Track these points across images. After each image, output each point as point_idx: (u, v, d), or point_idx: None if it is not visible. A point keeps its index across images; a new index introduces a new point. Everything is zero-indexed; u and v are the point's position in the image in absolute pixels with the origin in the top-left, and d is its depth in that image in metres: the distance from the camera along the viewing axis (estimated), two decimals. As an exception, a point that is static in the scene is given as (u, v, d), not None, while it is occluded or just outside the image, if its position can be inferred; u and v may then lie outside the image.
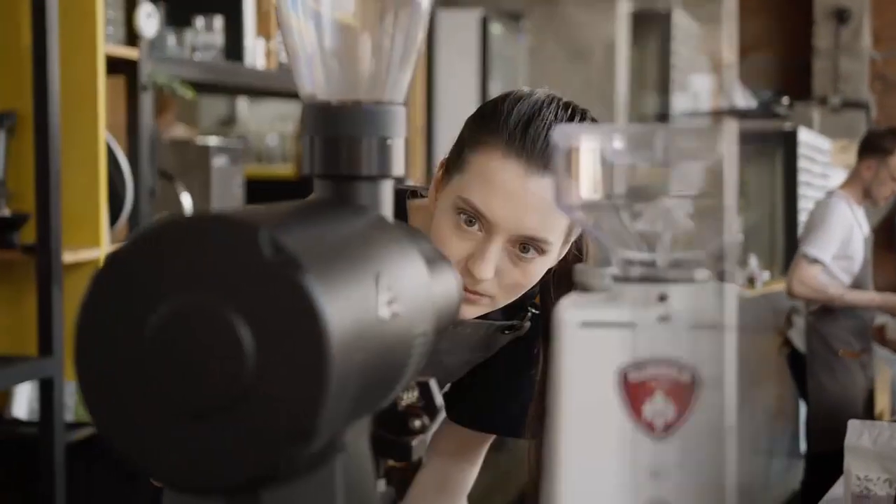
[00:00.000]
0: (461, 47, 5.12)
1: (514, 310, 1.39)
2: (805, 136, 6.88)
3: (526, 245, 1.24)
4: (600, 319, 0.68)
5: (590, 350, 0.68)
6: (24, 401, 2.63)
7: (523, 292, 1.29)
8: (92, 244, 2.49)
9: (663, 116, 7.35)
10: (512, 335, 1.40)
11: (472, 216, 1.24)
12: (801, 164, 6.76)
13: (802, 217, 7.02)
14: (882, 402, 4.79)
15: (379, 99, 0.81)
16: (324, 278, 0.62)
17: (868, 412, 4.32)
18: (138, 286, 0.62)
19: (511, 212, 1.22)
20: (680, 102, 5.24)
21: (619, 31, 5.64)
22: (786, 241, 7.03)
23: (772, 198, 7.04)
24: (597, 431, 0.68)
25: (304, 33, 0.81)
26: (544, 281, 1.32)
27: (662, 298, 0.68)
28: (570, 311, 0.69)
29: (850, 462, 1.91)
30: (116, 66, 2.62)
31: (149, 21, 2.61)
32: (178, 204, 2.85)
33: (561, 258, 1.31)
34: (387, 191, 0.81)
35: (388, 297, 0.69)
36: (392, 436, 0.86)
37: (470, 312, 1.28)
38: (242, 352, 0.60)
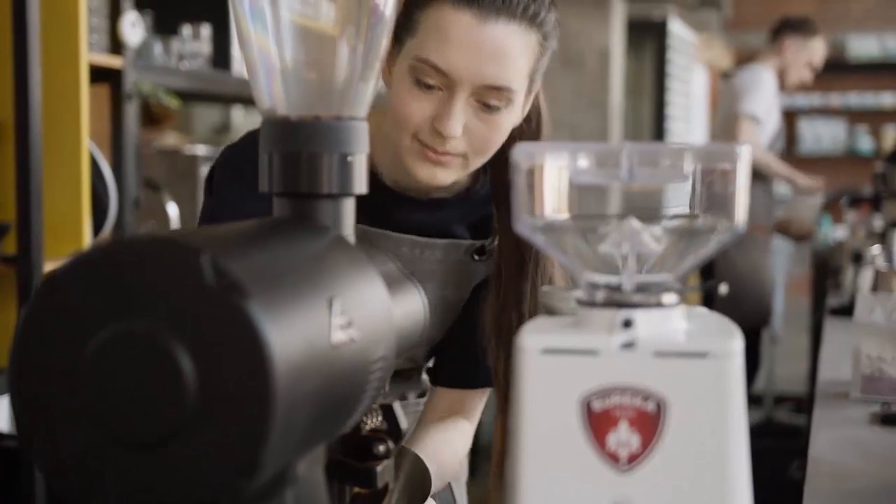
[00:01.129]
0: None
1: (481, 233, 1.38)
2: (675, 28, 6.94)
3: (488, 103, 1.22)
4: (563, 346, 0.65)
5: (552, 377, 0.66)
6: (4, 413, 2.60)
7: (494, 150, 1.26)
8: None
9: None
10: (484, 262, 1.38)
11: (430, 76, 1.21)
12: (669, 55, 6.87)
13: (670, 111, 7.16)
14: None
15: (339, 114, 0.79)
16: (270, 304, 0.59)
17: None
18: (77, 309, 0.59)
19: (470, 62, 1.20)
20: None
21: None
22: (654, 133, 7.12)
23: (641, 88, 7.12)
24: (559, 462, 0.65)
25: (263, 47, 0.79)
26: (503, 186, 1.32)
27: (627, 324, 0.66)
28: (531, 337, 0.66)
29: (860, 340, 1.75)
30: (101, 74, 2.59)
31: (133, 30, 2.59)
32: (164, 214, 2.82)
33: (517, 126, 1.29)
34: (348, 209, 0.79)
35: (342, 321, 0.66)
36: (355, 462, 0.83)
37: (444, 176, 1.26)
38: (183, 381, 0.57)
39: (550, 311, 0.74)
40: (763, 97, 4.44)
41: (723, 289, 0.66)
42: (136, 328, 0.58)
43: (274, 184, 0.78)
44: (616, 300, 0.67)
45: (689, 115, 8.36)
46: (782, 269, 5.67)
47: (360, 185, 0.79)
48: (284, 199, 0.78)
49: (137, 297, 0.58)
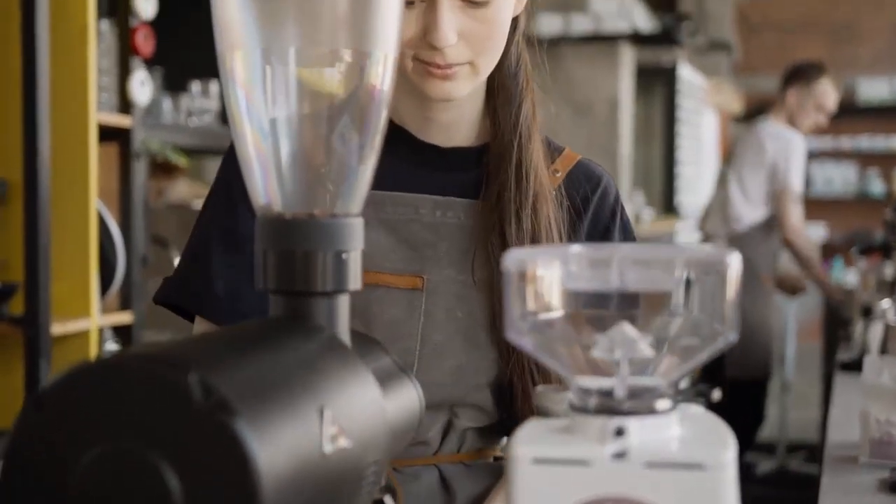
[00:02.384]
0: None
1: None
2: (684, 73, 6.98)
3: None
4: (554, 456, 0.65)
5: (544, 487, 0.65)
6: None
7: (501, 48, 1.21)
8: (82, 315, 2.47)
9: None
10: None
11: None
12: (679, 100, 6.90)
13: (680, 155, 7.17)
14: None
15: (334, 211, 0.79)
16: (259, 420, 0.59)
17: None
18: (64, 429, 0.59)
19: None
20: (581, 23, 5.28)
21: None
22: (664, 178, 7.11)
23: (651, 133, 7.14)
24: (551, 573, 0.65)
25: (257, 144, 0.79)
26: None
27: (619, 433, 0.65)
28: (523, 446, 0.66)
29: (868, 402, 1.71)
30: (110, 133, 2.60)
31: (142, 89, 2.61)
32: (172, 270, 2.82)
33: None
34: (343, 306, 0.79)
35: (333, 430, 0.66)
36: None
37: (457, 90, 1.21)
38: (171, 501, 0.57)
39: (544, 413, 0.73)
40: (801, 167, 4.51)
41: (716, 395, 0.65)
42: (124, 447, 0.58)
43: (269, 281, 0.78)
44: (608, 407, 0.67)
45: (699, 159, 8.38)
46: (793, 315, 5.65)
47: (356, 281, 0.79)
48: (279, 297, 0.78)
49: (126, 416, 0.58)
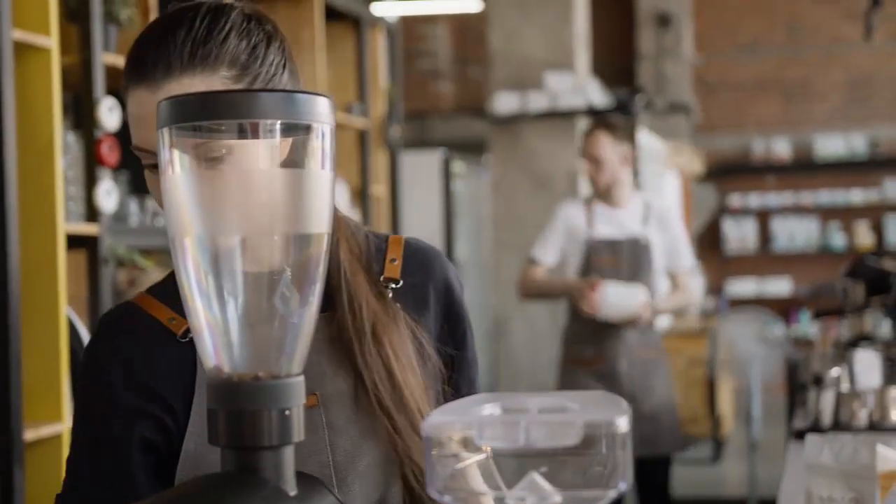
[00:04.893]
0: (425, 186, 5.25)
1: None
2: (643, 139, 7.15)
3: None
4: None
5: None
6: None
7: None
8: (54, 420, 2.54)
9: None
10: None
11: (145, 157, 1.21)
12: (639, 165, 7.05)
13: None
14: None
15: (278, 372, 0.88)
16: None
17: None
18: None
19: (145, 132, 1.20)
20: (537, 101, 5.35)
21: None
22: None
23: None
24: None
25: (206, 316, 0.88)
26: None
27: (530, 576, 0.74)
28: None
29: (811, 481, 1.76)
30: (77, 241, 2.69)
31: (108, 197, 2.70)
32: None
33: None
34: (288, 456, 0.87)
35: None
36: None
37: None
38: None
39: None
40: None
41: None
42: None
43: (220, 437, 0.87)
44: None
45: (663, 221, 8.51)
46: (757, 374, 5.75)
47: (299, 433, 0.88)
48: (229, 451, 0.87)
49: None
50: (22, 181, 2.47)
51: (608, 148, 3.99)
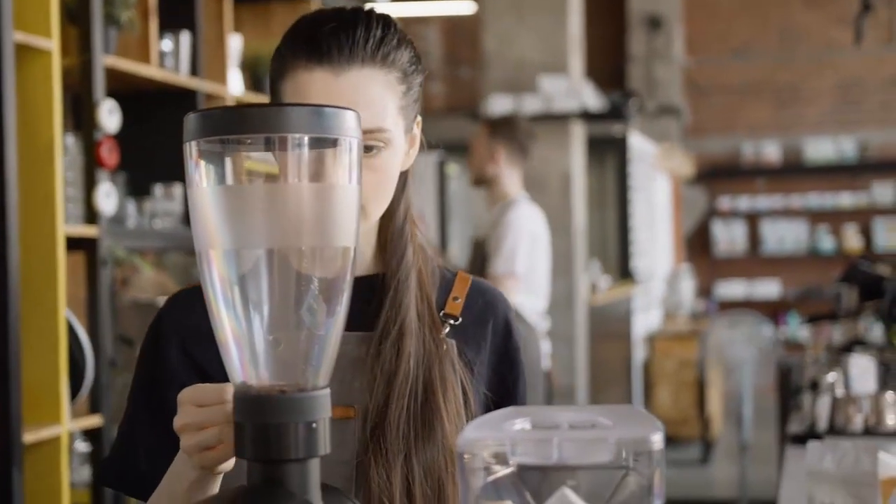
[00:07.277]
0: (419, 188, 5.23)
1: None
2: (635, 141, 7.18)
3: (365, 145, 1.17)
4: None
5: None
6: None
7: (389, 196, 1.26)
8: (53, 422, 2.53)
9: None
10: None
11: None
12: (630, 168, 7.09)
13: (634, 221, 7.33)
14: None
15: (304, 386, 0.88)
16: None
17: None
18: None
19: None
20: (531, 104, 5.37)
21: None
22: (619, 245, 7.26)
23: (605, 201, 7.31)
24: None
25: (234, 329, 0.88)
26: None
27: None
28: None
29: (812, 488, 1.76)
30: (76, 242, 2.68)
31: (107, 200, 2.69)
32: (140, 369, 2.88)
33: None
34: (314, 470, 0.88)
35: None
36: None
37: None
38: None
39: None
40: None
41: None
42: None
43: (247, 451, 0.87)
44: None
45: (653, 223, 8.54)
46: (749, 378, 5.77)
47: (325, 446, 0.88)
48: (256, 464, 0.87)
49: None
50: (22, 183, 2.46)
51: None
